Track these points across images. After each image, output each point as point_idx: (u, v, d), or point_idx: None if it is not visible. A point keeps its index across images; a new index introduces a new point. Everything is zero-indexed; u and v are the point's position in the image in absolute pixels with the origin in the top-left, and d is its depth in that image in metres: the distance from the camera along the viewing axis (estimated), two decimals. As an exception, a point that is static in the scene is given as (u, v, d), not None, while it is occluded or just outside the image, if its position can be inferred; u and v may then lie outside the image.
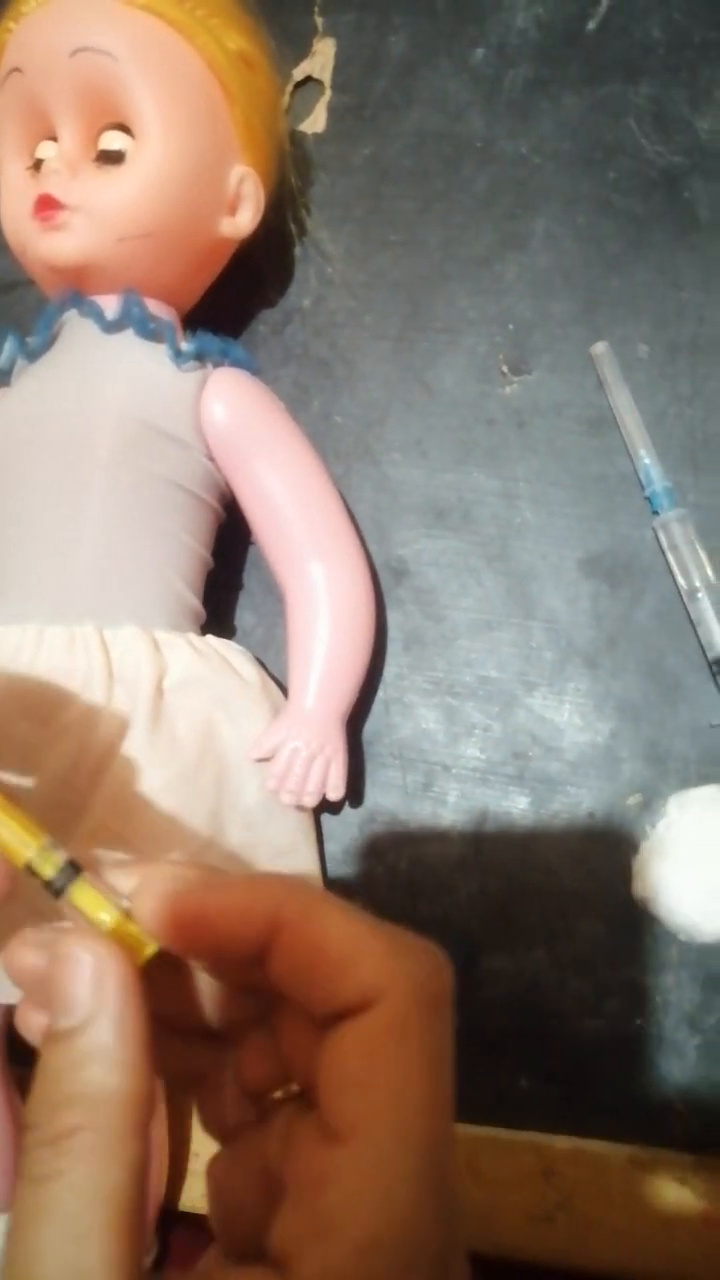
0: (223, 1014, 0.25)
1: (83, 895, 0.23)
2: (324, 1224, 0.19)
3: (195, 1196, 0.44)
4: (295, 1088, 0.24)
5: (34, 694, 0.40)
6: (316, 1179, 0.20)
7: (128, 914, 0.23)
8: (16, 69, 0.42)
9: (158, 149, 0.42)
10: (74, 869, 0.23)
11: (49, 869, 0.23)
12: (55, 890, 0.23)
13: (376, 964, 0.21)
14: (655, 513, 0.45)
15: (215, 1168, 0.24)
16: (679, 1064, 0.42)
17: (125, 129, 0.42)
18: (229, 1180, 0.24)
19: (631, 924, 0.43)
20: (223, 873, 0.23)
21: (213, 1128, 0.25)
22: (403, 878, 0.45)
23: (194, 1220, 0.44)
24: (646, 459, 0.46)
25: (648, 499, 0.46)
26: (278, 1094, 0.24)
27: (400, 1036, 0.20)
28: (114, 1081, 0.20)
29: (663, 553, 0.45)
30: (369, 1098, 0.20)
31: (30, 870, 0.24)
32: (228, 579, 0.49)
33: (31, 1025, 0.23)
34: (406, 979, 0.21)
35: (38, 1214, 0.19)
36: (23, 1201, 0.19)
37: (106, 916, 0.22)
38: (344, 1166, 0.19)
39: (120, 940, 0.22)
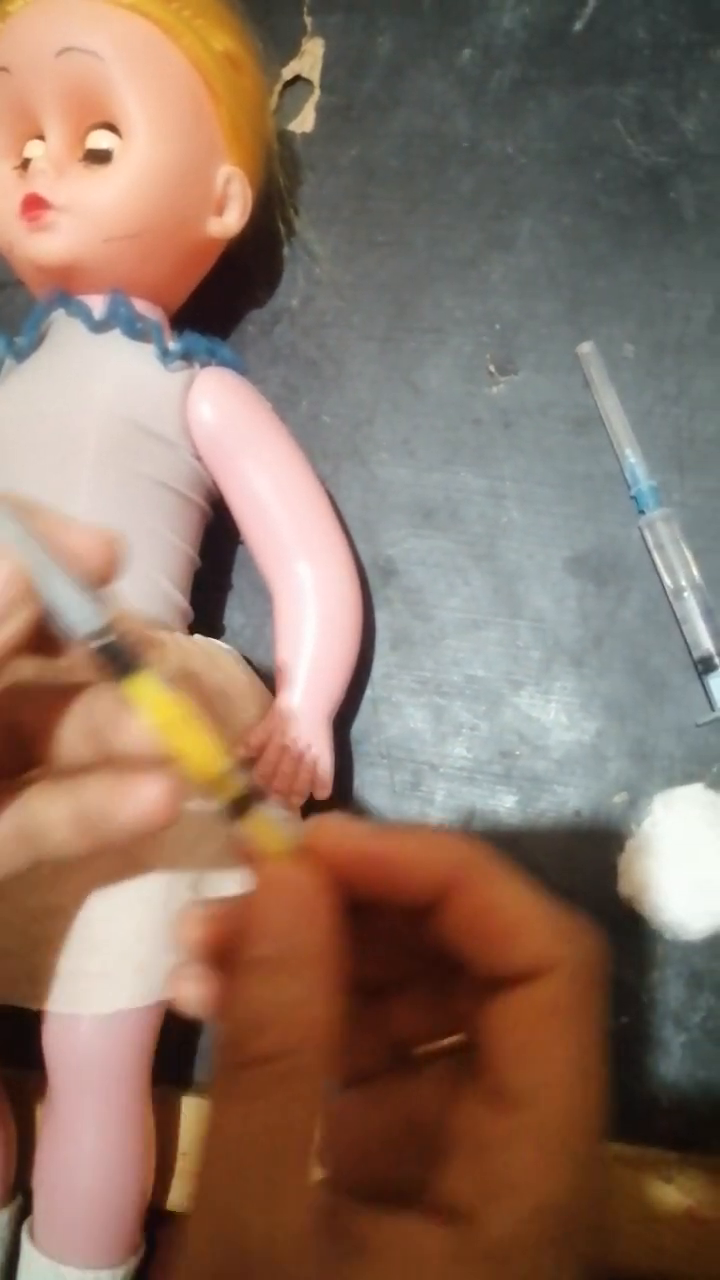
0: (381, 965, 0.25)
1: (262, 821, 0.23)
2: (507, 1185, 0.20)
3: (182, 1196, 0.44)
4: (446, 1043, 0.25)
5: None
6: (492, 1142, 0.20)
7: (301, 846, 0.23)
8: (3, 68, 0.42)
9: (144, 149, 0.42)
10: (256, 795, 0.23)
11: (232, 791, 0.23)
12: (233, 813, 0.23)
13: (551, 935, 0.21)
14: (641, 512, 0.46)
15: (342, 1108, 0.25)
16: (665, 1061, 0.42)
17: (112, 128, 0.42)
18: (359, 1122, 0.24)
19: (618, 922, 0.43)
20: (392, 830, 0.24)
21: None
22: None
23: (182, 1220, 0.44)
24: (632, 458, 0.46)
25: (633, 498, 0.46)
26: (427, 1049, 0.25)
27: (575, 1009, 0.21)
28: (317, 1009, 0.20)
29: (648, 552, 0.46)
30: (546, 1067, 0.20)
31: (214, 789, 0.23)
32: (216, 579, 0.49)
33: (189, 994, 0.23)
34: (581, 954, 0.21)
35: (238, 1132, 0.20)
36: (219, 1117, 0.20)
37: (282, 846, 0.23)
38: (521, 1132, 0.20)
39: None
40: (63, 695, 0.27)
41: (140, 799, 0.27)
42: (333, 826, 0.23)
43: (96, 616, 0.23)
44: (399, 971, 0.25)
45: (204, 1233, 0.19)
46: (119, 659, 0.23)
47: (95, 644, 0.23)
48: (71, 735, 0.28)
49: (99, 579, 0.24)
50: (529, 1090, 0.20)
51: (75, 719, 0.27)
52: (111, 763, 0.27)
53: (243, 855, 0.23)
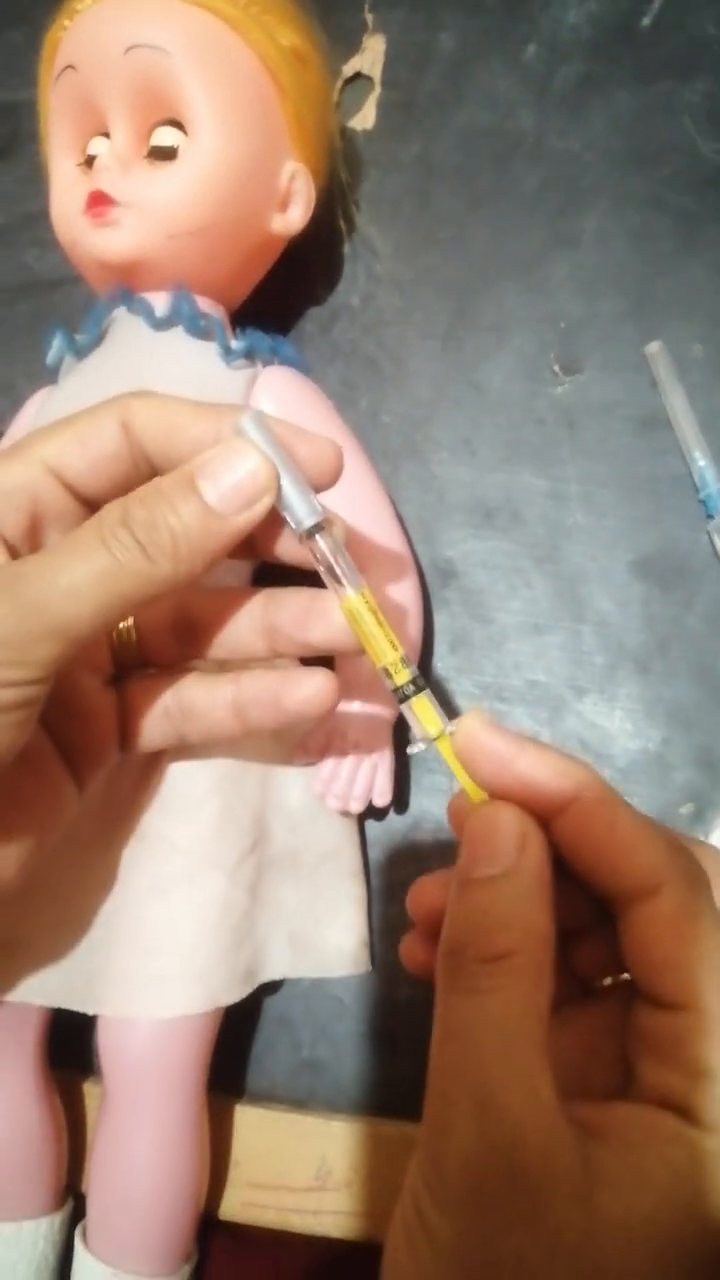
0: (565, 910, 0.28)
1: (423, 708, 0.28)
2: (700, 1070, 0.23)
3: (235, 1205, 0.43)
4: (624, 977, 0.27)
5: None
6: (674, 1039, 0.23)
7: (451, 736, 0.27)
8: (70, 66, 0.42)
9: (210, 145, 0.42)
10: (421, 684, 0.28)
11: (401, 678, 0.28)
12: (402, 697, 0.28)
13: (661, 854, 0.24)
14: (710, 515, 0.45)
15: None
16: None
17: (178, 125, 0.42)
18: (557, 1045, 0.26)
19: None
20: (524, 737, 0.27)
21: None
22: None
23: (234, 1228, 0.44)
24: (701, 461, 0.45)
25: (701, 501, 0.45)
26: (607, 981, 0.28)
27: (698, 915, 0.24)
28: (540, 919, 0.24)
29: (716, 556, 0.45)
30: (693, 971, 0.23)
31: (386, 674, 0.29)
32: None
33: (418, 956, 0.28)
34: (684, 870, 0.24)
35: (484, 1018, 0.23)
36: (464, 1008, 0.23)
37: (436, 730, 0.28)
38: (695, 1026, 0.23)
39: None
40: (236, 595, 0.33)
41: (310, 685, 0.33)
42: (479, 723, 0.26)
43: (315, 514, 0.29)
44: (586, 914, 0.28)
45: (470, 1121, 0.22)
46: (325, 556, 0.29)
47: (313, 536, 0.29)
48: (245, 631, 0.33)
49: (320, 483, 0.30)
50: (680, 994, 0.23)
51: (249, 616, 0.33)
52: (269, 663, 0.34)
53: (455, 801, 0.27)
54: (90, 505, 0.30)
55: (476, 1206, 0.21)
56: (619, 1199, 0.21)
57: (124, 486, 0.29)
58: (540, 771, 0.25)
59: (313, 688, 0.33)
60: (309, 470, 0.29)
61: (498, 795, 0.26)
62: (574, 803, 0.25)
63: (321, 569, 0.30)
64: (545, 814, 0.25)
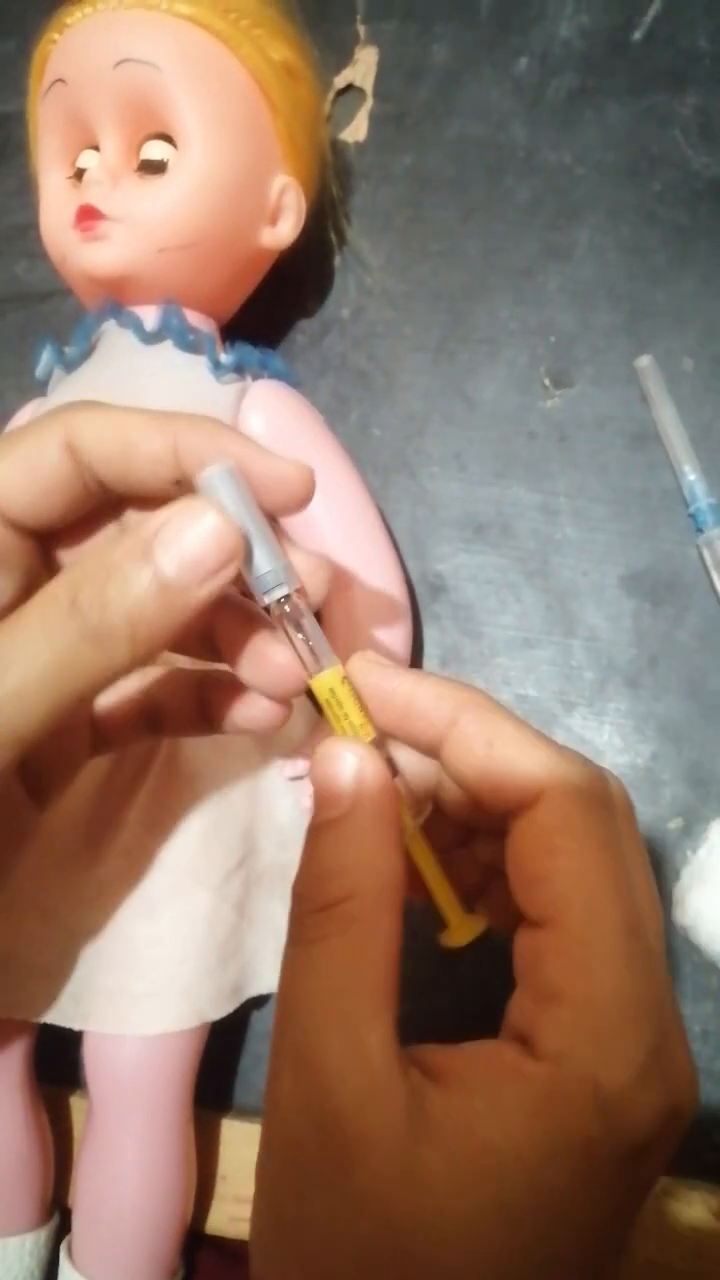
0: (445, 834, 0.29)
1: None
2: (549, 993, 0.22)
3: (222, 1220, 0.44)
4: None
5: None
6: (534, 959, 0.23)
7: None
8: (60, 80, 0.42)
9: (200, 159, 0.42)
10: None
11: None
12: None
13: (539, 764, 0.23)
14: (699, 530, 0.45)
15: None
16: (716, 1093, 0.42)
17: (167, 139, 0.42)
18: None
19: (671, 952, 0.42)
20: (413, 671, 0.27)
21: None
22: (437, 899, 0.45)
23: (220, 1243, 0.44)
24: (691, 475, 0.46)
25: (691, 516, 0.46)
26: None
27: (574, 828, 0.23)
28: (376, 860, 0.23)
29: (706, 571, 0.45)
30: (558, 884, 0.22)
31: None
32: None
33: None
34: (572, 780, 0.23)
35: (309, 969, 0.22)
36: (293, 961, 0.23)
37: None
38: (552, 944, 0.22)
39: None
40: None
41: (258, 707, 0.30)
42: (363, 661, 0.26)
43: (286, 583, 0.26)
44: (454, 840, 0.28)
45: (288, 1074, 0.21)
46: (294, 632, 0.27)
47: (279, 606, 0.26)
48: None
49: (286, 510, 0.27)
50: (545, 908, 0.22)
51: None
52: None
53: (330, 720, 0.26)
54: (38, 537, 0.28)
55: (289, 1163, 0.21)
56: (441, 1149, 0.20)
57: (75, 512, 0.27)
58: (419, 700, 0.25)
59: (259, 709, 0.30)
60: (274, 495, 0.27)
61: (390, 723, 0.25)
62: (453, 726, 0.24)
63: (291, 642, 0.27)
64: (432, 740, 0.25)
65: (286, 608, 0.26)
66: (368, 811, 0.23)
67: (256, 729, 0.31)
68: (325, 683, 0.26)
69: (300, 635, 0.26)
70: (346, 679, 0.26)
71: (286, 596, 0.26)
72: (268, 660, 0.27)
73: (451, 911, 0.26)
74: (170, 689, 0.32)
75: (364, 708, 0.26)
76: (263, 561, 0.26)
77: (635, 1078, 0.21)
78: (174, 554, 0.24)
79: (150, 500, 0.27)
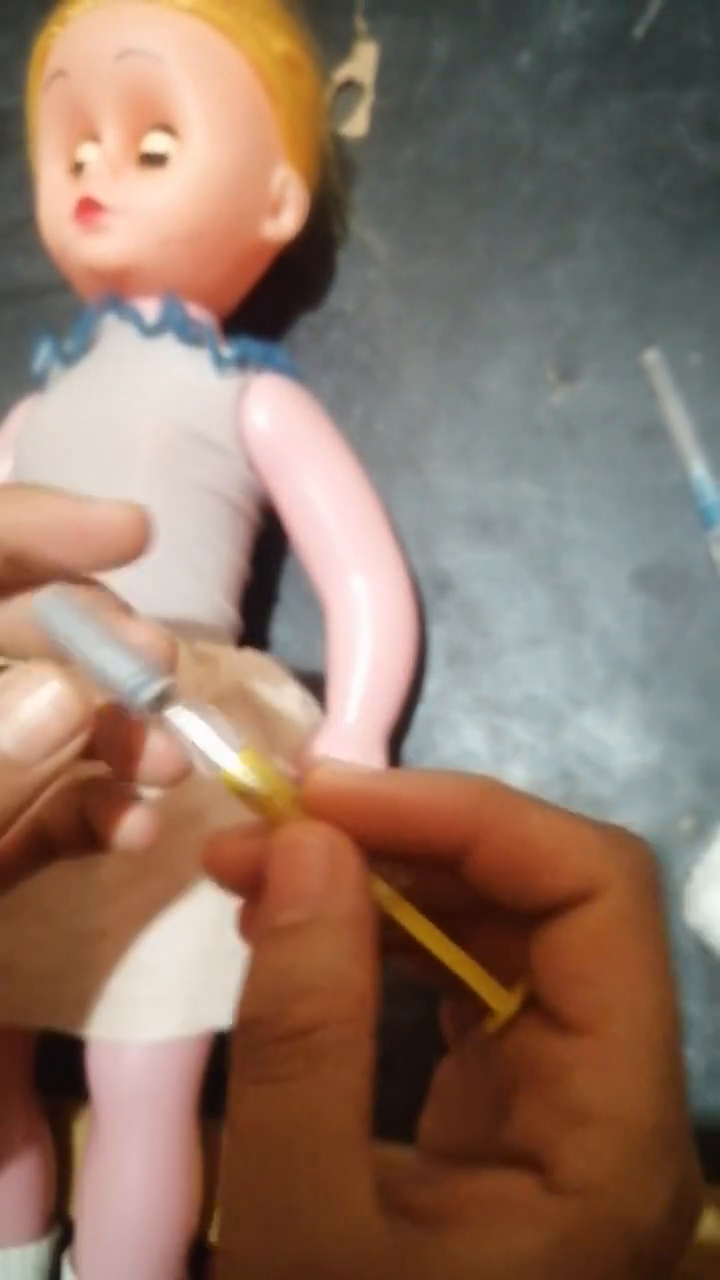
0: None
1: (261, 773, 0.22)
2: (577, 1113, 0.19)
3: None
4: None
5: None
6: (559, 1071, 0.20)
7: (297, 795, 0.21)
8: (61, 72, 0.43)
9: (202, 151, 0.42)
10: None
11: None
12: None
13: (594, 854, 0.20)
14: (709, 525, 0.45)
15: (438, 1078, 0.24)
16: (733, 1098, 0.42)
17: (168, 131, 0.43)
18: (446, 1089, 0.24)
19: (683, 952, 0.42)
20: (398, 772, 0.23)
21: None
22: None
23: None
24: (699, 470, 0.46)
25: (701, 511, 0.46)
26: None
27: (631, 926, 0.20)
28: (352, 974, 0.19)
29: (716, 567, 0.45)
30: (606, 989, 0.20)
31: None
32: (264, 590, 0.49)
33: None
34: (627, 868, 0.20)
35: (277, 1120, 0.18)
36: (250, 1107, 0.19)
37: (282, 793, 0.21)
38: (588, 1057, 0.19)
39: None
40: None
41: (132, 819, 0.28)
42: (331, 771, 0.21)
43: (152, 683, 0.23)
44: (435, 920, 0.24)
45: (255, 1237, 0.18)
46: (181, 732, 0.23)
47: (151, 710, 0.23)
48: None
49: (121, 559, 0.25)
50: (589, 1013, 0.20)
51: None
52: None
53: (256, 813, 0.22)
54: None
55: None
56: None
57: None
58: (426, 804, 0.21)
59: (132, 822, 0.28)
60: (109, 546, 0.24)
61: (386, 843, 0.21)
62: (477, 827, 0.21)
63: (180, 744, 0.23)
64: (448, 852, 0.21)
65: (166, 706, 0.23)
66: (340, 913, 0.20)
67: (137, 845, 0.28)
68: (240, 769, 0.22)
69: (190, 728, 0.23)
70: (254, 755, 0.22)
71: (161, 694, 0.23)
72: (149, 752, 0.26)
73: (487, 990, 0.22)
74: (52, 809, 0.29)
75: (280, 781, 0.22)
76: (121, 671, 0.23)
77: (668, 1217, 0.19)
78: (12, 728, 0.22)
79: None
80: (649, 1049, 0.19)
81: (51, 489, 0.25)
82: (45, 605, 0.23)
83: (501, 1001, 0.22)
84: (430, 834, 0.21)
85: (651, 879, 0.21)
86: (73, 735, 0.23)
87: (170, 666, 0.24)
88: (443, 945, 0.22)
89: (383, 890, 0.22)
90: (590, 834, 0.21)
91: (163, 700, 0.23)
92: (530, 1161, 0.19)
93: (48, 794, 0.24)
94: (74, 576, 0.26)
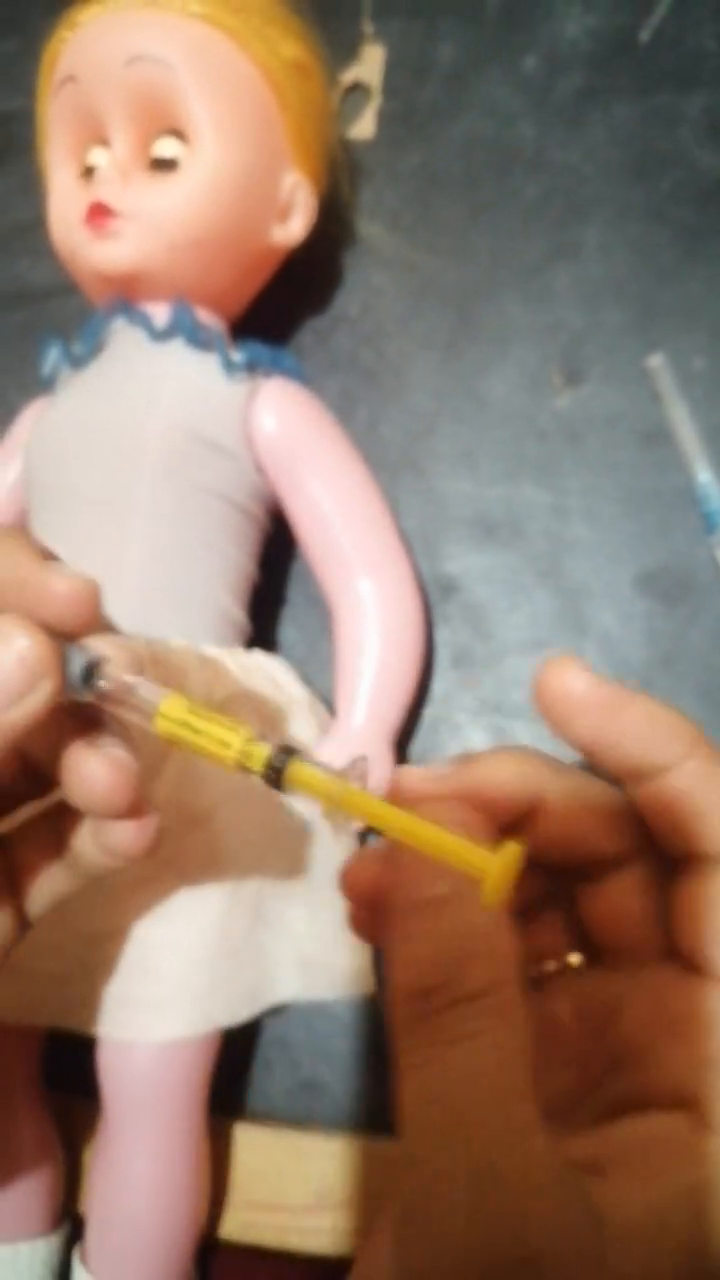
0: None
1: (303, 775, 0.23)
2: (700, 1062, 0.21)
3: (234, 1225, 0.44)
4: (575, 958, 0.26)
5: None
6: (708, 1017, 0.21)
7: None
8: (71, 77, 0.43)
9: (211, 156, 0.43)
10: (289, 748, 0.24)
11: (258, 759, 0.24)
12: (272, 779, 0.24)
13: None
14: (712, 530, 0.46)
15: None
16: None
17: (178, 136, 0.43)
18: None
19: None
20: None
21: None
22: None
23: (233, 1249, 0.44)
24: (703, 475, 0.46)
25: (705, 516, 0.46)
26: (551, 965, 0.26)
27: None
28: (505, 937, 0.21)
29: (719, 571, 0.46)
30: None
31: (243, 767, 0.24)
32: (271, 593, 0.49)
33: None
34: None
35: (468, 1076, 0.20)
36: (439, 1067, 0.20)
37: (331, 791, 0.23)
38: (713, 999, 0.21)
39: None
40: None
41: (117, 830, 0.28)
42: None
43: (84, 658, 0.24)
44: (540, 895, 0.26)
45: (462, 1191, 0.19)
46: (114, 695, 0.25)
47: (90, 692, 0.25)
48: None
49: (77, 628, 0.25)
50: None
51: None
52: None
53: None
54: None
55: None
56: (632, 1255, 0.19)
57: None
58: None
59: (120, 832, 0.28)
60: (56, 615, 0.25)
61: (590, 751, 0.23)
62: (690, 757, 0.23)
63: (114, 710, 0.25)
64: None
65: (100, 683, 0.25)
66: (494, 885, 0.21)
67: (113, 858, 0.28)
68: (168, 719, 0.24)
69: (128, 699, 0.25)
70: (184, 711, 0.24)
71: (89, 671, 0.25)
72: (79, 774, 0.26)
73: (476, 858, 0.21)
74: (21, 831, 0.30)
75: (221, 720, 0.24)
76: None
77: None
78: None
79: None
80: None
81: (22, 542, 0.26)
82: None
83: (490, 863, 0.21)
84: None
85: None
86: (35, 685, 0.24)
87: (92, 613, 0.25)
88: (411, 825, 0.22)
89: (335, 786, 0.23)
90: None
91: (90, 675, 0.24)
92: (680, 1103, 0.21)
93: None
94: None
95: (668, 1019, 0.22)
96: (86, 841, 0.29)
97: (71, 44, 0.44)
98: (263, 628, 0.49)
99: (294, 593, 0.51)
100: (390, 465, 0.50)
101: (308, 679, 0.47)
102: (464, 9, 0.55)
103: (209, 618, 0.43)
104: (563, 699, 0.24)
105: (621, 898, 0.25)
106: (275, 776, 0.24)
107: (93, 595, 0.25)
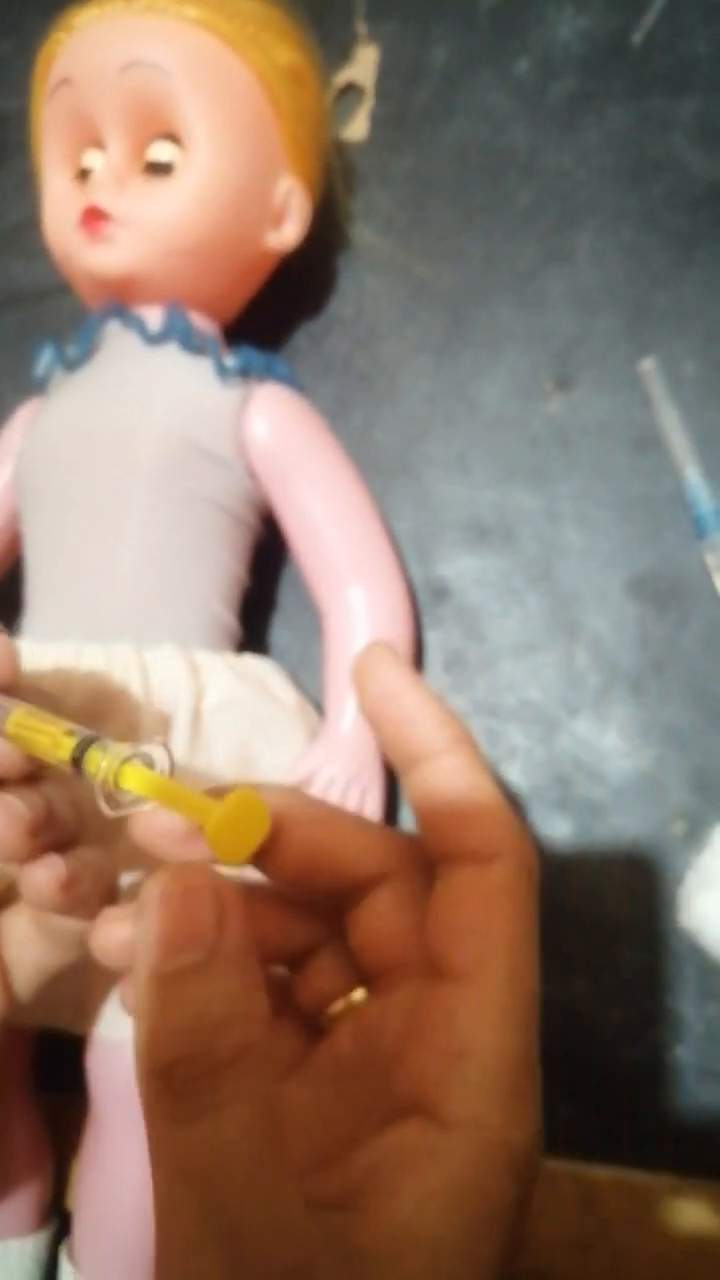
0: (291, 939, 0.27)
1: (94, 760, 0.24)
2: (460, 1050, 0.22)
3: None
4: (358, 995, 0.27)
5: (71, 712, 0.40)
6: (444, 1016, 0.23)
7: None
8: (66, 80, 0.43)
9: (206, 162, 0.43)
10: (89, 736, 0.24)
11: (64, 750, 0.24)
12: (76, 764, 0.24)
13: (507, 825, 0.24)
14: (703, 535, 0.46)
15: (289, 1096, 0.25)
16: (718, 1095, 0.43)
17: (174, 141, 0.43)
18: (307, 1103, 0.25)
19: (676, 954, 0.44)
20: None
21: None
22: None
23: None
24: (694, 479, 0.47)
25: (695, 521, 0.47)
26: (338, 1006, 0.27)
27: (514, 895, 0.23)
28: (259, 1000, 0.21)
29: (710, 576, 0.46)
30: (488, 942, 0.23)
31: (65, 762, 0.24)
32: (263, 596, 0.50)
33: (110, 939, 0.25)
34: (521, 849, 0.24)
35: (219, 1150, 0.19)
36: (187, 1144, 0.20)
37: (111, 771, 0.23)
38: (468, 1002, 0.22)
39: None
40: None
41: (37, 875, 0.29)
42: (376, 652, 0.26)
43: None
44: (314, 942, 0.27)
45: (209, 1255, 0.19)
46: None
47: None
48: None
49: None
50: (473, 961, 0.23)
51: None
52: None
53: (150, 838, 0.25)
54: None
55: None
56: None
57: None
58: (424, 716, 0.25)
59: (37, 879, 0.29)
60: None
61: (375, 730, 0.26)
62: (444, 754, 0.25)
63: None
64: (411, 759, 0.25)
65: None
66: (240, 947, 0.21)
67: (41, 903, 0.29)
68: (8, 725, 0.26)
69: None
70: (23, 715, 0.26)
71: None
72: None
73: (200, 808, 0.23)
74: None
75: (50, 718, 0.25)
76: None
77: (534, 1141, 0.22)
78: None
79: None
80: (518, 998, 0.23)
81: None
82: None
83: (212, 810, 0.22)
84: (409, 735, 0.25)
85: (534, 867, 0.24)
86: None
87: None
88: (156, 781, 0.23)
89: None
90: (510, 814, 0.24)
91: None
92: (417, 1107, 0.22)
93: None
94: None
95: (413, 1027, 0.23)
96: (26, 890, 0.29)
97: (67, 47, 0.44)
98: (257, 630, 0.49)
99: (287, 596, 0.51)
100: (384, 469, 0.51)
101: (301, 681, 0.47)
102: (457, 12, 0.55)
103: (201, 621, 0.44)
104: (363, 678, 0.26)
105: (381, 918, 0.25)
106: (77, 759, 0.24)
107: (11, 658, 0.27)
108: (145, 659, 0.41)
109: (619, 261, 0.51)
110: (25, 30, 0.48)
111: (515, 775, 0.47)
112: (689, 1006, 0.44)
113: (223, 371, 0.44)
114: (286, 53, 0.45)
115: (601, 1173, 0.42)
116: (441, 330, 0.52)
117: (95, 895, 0.29)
